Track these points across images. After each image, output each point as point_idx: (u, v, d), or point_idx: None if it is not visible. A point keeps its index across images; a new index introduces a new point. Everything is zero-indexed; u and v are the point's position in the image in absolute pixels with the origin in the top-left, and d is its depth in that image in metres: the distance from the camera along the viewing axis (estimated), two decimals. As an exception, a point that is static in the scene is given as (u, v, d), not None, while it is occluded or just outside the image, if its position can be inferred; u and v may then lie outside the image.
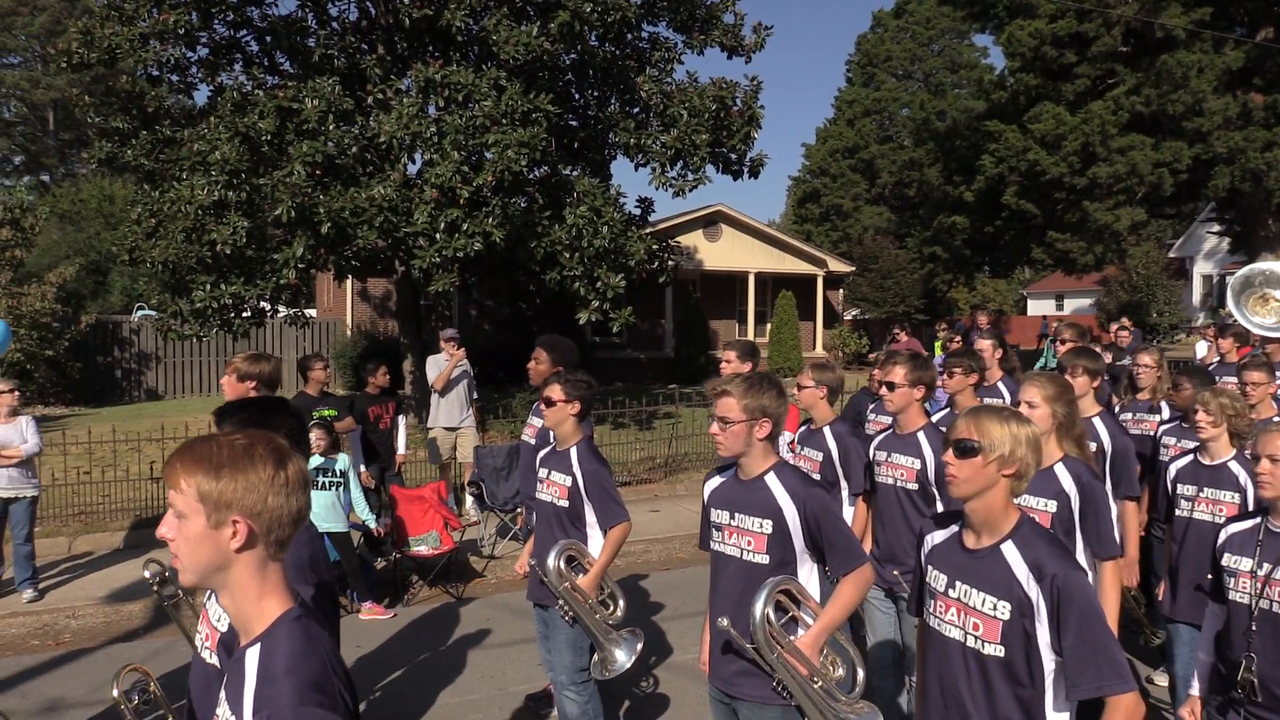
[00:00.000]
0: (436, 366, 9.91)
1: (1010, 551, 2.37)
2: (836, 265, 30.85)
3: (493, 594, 7.72)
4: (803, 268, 29.63)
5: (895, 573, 4.25)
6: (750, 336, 29.26)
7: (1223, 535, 3.21)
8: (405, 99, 12.89)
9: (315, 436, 6.80)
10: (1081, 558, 3.64)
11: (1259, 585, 2.98)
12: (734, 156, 15.63)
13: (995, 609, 2.35)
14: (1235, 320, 9.21)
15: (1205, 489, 4.17)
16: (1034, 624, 2.30)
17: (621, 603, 4.40)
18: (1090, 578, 3.64)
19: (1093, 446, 4.66)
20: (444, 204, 12.70)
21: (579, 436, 4.32)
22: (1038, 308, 56.35)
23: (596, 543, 4.26)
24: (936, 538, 2.63)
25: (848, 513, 4.82)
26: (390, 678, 5.96)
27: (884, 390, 4.38)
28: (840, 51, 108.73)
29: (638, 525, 9.82)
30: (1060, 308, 53.69)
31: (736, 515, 3.16)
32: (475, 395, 10.26)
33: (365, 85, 13.61)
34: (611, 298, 13.82)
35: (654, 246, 15.72)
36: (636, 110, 15.19)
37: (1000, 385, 6.56)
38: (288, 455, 1.73)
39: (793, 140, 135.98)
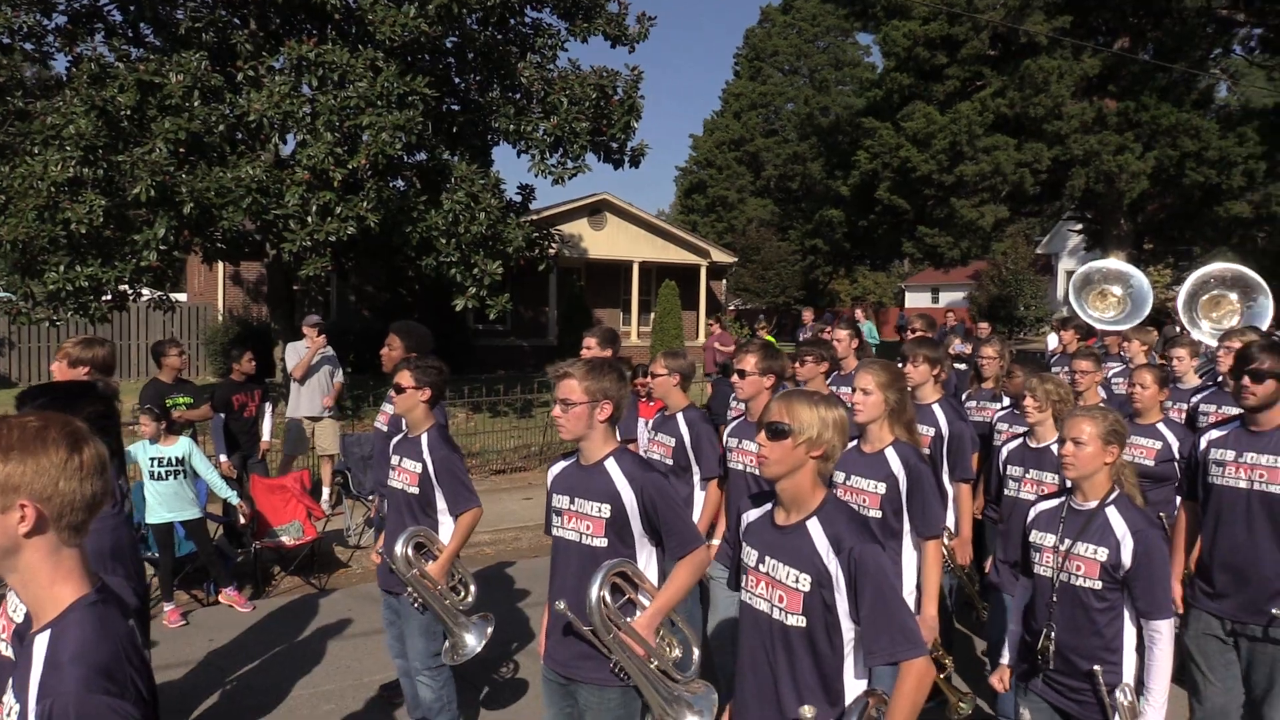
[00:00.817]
0: (296, 354, 9.59)
1: (814, 527, 2.47)
2: (720, 256, 31.27)
3: (357, 584, 7.60)
4: (687, 258, 29.93)
5: None
6: (634, 325, 29.44)
7: (1032, 513, 3.41)
8: (278, 77, 12.49)
9: (143, 423, 6.56)
10: (907, 538, 3.81)
11: (1060, 559, 3.18)
12: (615, 145, 15.66)
13: (797, 581, 2.45)
14: (1077, 314, 9.72)
15: (1031, 470, 4.40)
16: (833, 595, 2.40)
17: (473, 588, 4.40)
18: (917, 557, 3.83)
19: (932, 431, 4.88)
20: (316, 186, 12.38)
21: (430, 423, 4.29)
22: (915, 300, 58.23)
23: (448, 529, 4.25)
24: (751, 515, 2.72)
25: (700, 497, 4.92)
26: (243, 670, 5.81)
27: (735, 378, 4.48)
28: (729, 45, 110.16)
29: (511, 512, 9.84)
30: (936, 300, 55.59)
31: (576, 500, 3.19)
32: (338, 382, 9.98)
33: (235, 61, 13.12)
34: (489, 285, 13.72)
35: (534, 234, 15.64)
36: (518, 96, 15.07)
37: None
38: (84, 439, 1.68)
39: (681, 131, 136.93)
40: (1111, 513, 3.14)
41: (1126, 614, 3.10)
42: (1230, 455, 3.80)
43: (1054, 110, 17.84)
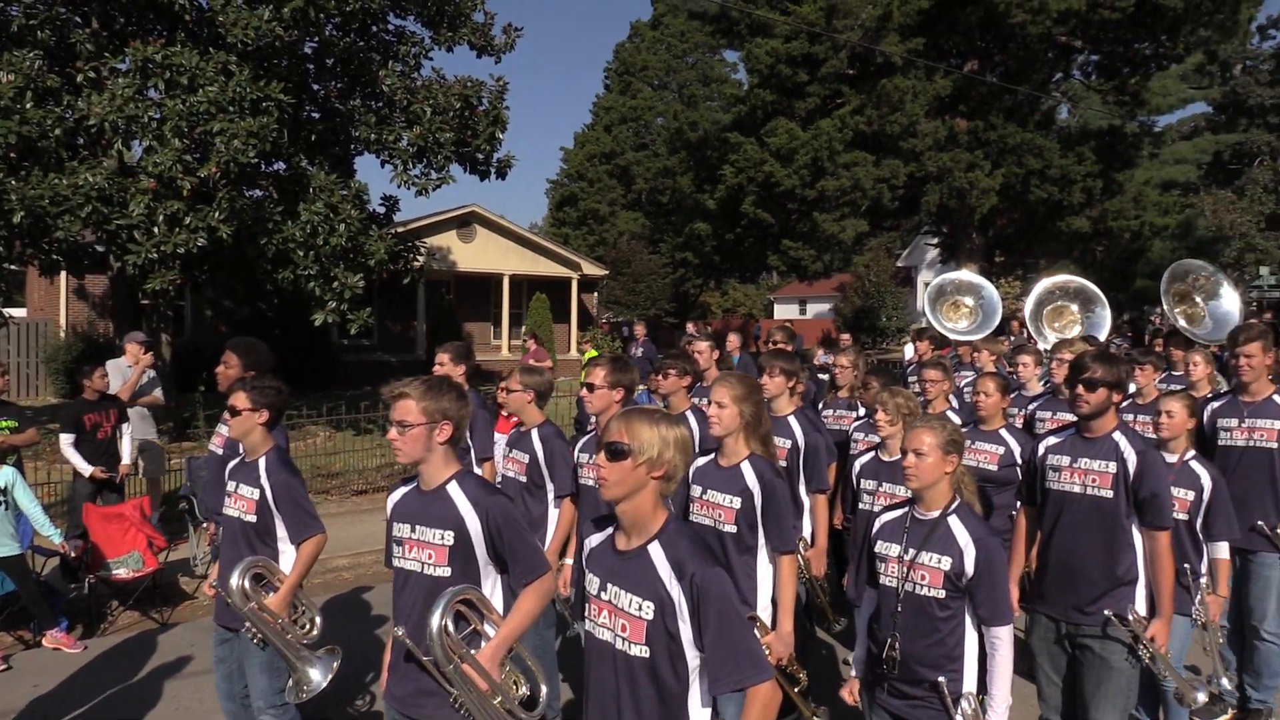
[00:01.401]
0: (120, 373, 8.66)
1: (656, 551, 2.41)
2: (591, 269, 31.31)
3: (203, 617, 7.17)
4: (558, 270, 29.85)
5: None
6: (505, 338, 29.15)
7: (876, 524, 3.44)
8: (121, 79, 11.83)
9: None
10: (762, 552, 3.79)
11: (904, 569, 3.21)
12: (481, 157, 15.46)
13: (640, 609, 2.38)
14: (931, 325, 10.05)
15: (884, 484, 4.47)
16: (676, 622, 2.33)
17: (318, 620, 4.18)
18: (773, 571, 3.81)
19: (788, 443, 4.91)
20: (164, 195, 11.77)
21: (269, 446, 4.06)
22: (783, 312, 59.54)
23: (289, 559, 4.02)
24: (594, 541, 2.64)
25: (554, 515, 4.83)
26: (70, 716, 5.38)
27: (584, 391, 4.41)
28: (599, 58, 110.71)
29: (372, 534, 9.49)
30: (804, 312, 57.03)
31: (417, 528, 3.04)
32: (163, 403, 9.36)
33: (75, 62, 12.35)
34: (349, 298, 13.31)
35: (397, 246, 15.26)
36: (380, 105, 14.70)
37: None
38: None
39: (553, 144, 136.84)
40: (954, 522, 3.19)
41: (968, 621, 3.15)
42: (1065, 461, 3.94)
43: (909, 128, 18.55)
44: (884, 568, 3.30)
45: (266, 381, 4.11)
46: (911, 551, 3.21)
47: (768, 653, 3.70)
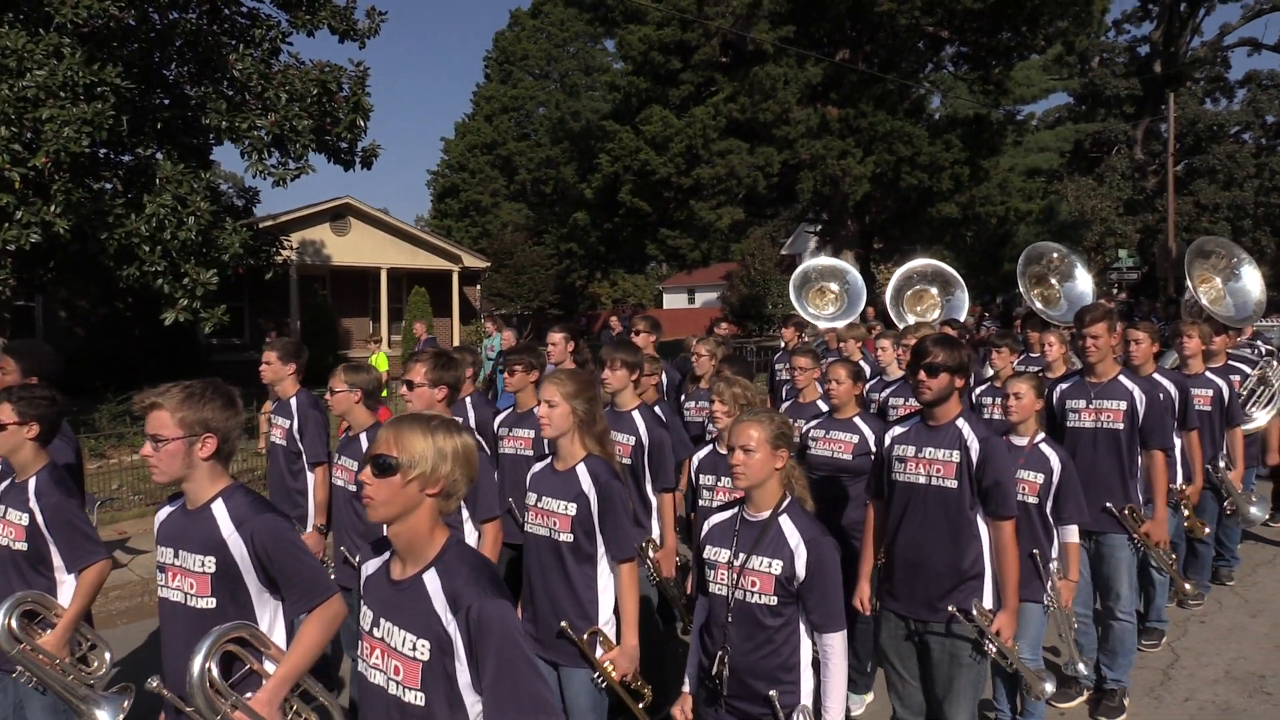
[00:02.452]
0: None
1: (431, 581, 2.11)
2: (472, 261, 30.65)
3: None
4: (437, 263, 29.13)
5: None
6: (384, 334, 28.30)
7: (705, 527, 3.21)
8: (-60, 63, 10.86)
9: None
10: (603, 561, 3.53)
11: (734, 575, 2.98)
12: (344, 146, 14.82)
13: (415, 649, 2.08)
14: (796, 312, 10.01)
15: (723, 478, 4.27)
16: (454, 663, 2.04)
17: (107, 655, 3.73)
18: (614, 577, 3.54)
19: (631, 440, 4.67)
20: (-9, 188, 10.87)
21: (41, 464, 3.60)
22: (672, 302, 59.84)
23: (69, 589, 3.57)
24: (370, 568, 2.32)
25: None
26: None
27: (404, 390, 4.07)
28: (480, 47, 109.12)
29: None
30: (692, 301, 57.38)
31: (180, 553, 2.67)
32: None
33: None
34: (202, 295, 12.54)
35: (255, 240, 14.49)
36: (232, 91, 13.90)
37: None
38: None
39: (435, 134, 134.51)
40: (784, 522, 2.99)
41: (802, 629, 2.94)
42: (911, 451, 3.79)
43: (782, 116, 18.61)
44: (713, 575, 3.07)
45: (37, 391, 3.64)
46: (741, 556, 2.99)
47: (611, 669, 3.44)
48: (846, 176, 18.70)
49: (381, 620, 2.16)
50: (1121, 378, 5.08)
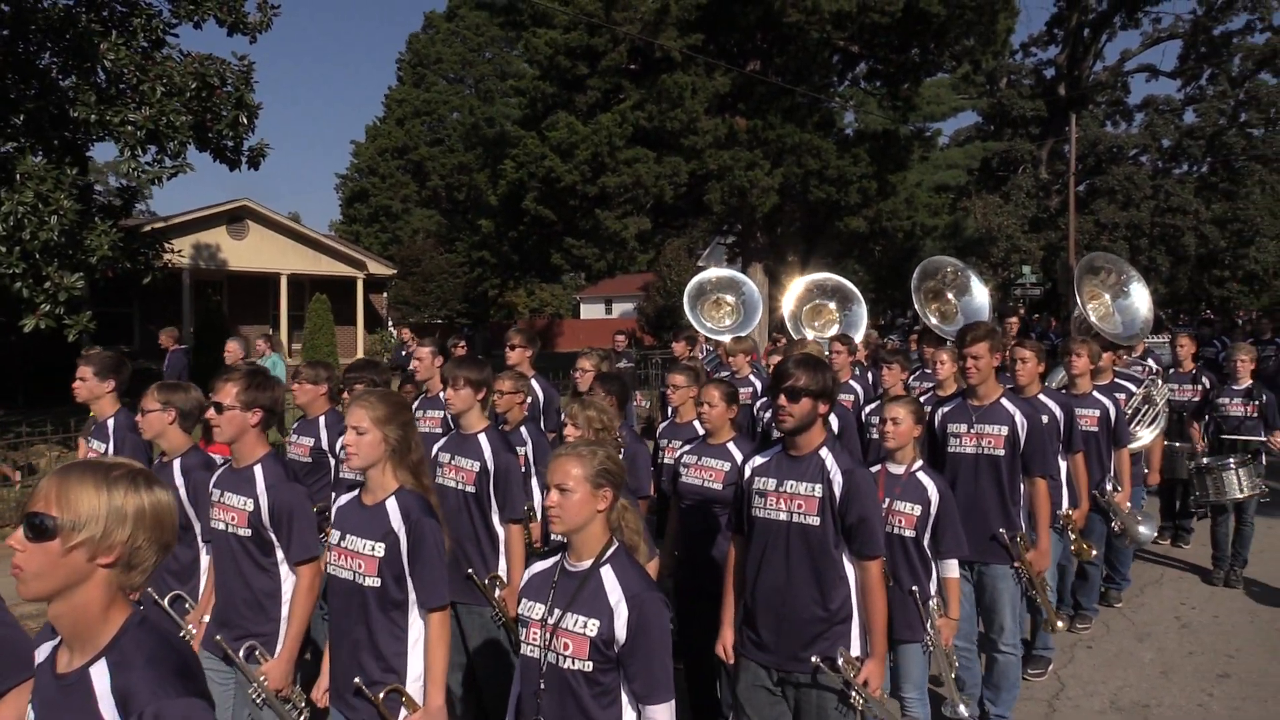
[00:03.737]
0: None
1: (99, 676, 1.66)
2: (378, 268, 29.86)
3: None
4: (341, 269, 28.29)
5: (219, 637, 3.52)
6: (285, 341, 27.29)
7: (525, 576, 2.80)
8: None
9: None
10: (414, 609, 3.09)
11: (548, 635, 2.58)
12: (229, 144, 14.07)
13: None
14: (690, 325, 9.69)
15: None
16: None
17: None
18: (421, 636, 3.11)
19: (476, 465, 4.25)
20: None
21: None
22: (590, 312, 59.47)
23: None
24: (42, 653, 1.85)
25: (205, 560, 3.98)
26: None
27: (211, 413, 3.58)
28: (393, 49, 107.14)
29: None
30: (609, 311, 57.06)
31: None
32: None
33: None
34: (66, 300, 11.71)
35: (131, 242, 13.64)
36: (103, 83, 13.04)
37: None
38: None
39: (345, 137, 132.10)
40: (606, 574, 2.59)
41: (625, 700, 2.55)
42: (771, 484, 3.44)
43: (689, 125, 18.36)
44: (525, 633, 2.66)
45: None
46: (556, 613, 2.58)
47: None
48: (754, 188, 18.53)
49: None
50: (1004, 400, 4.83)
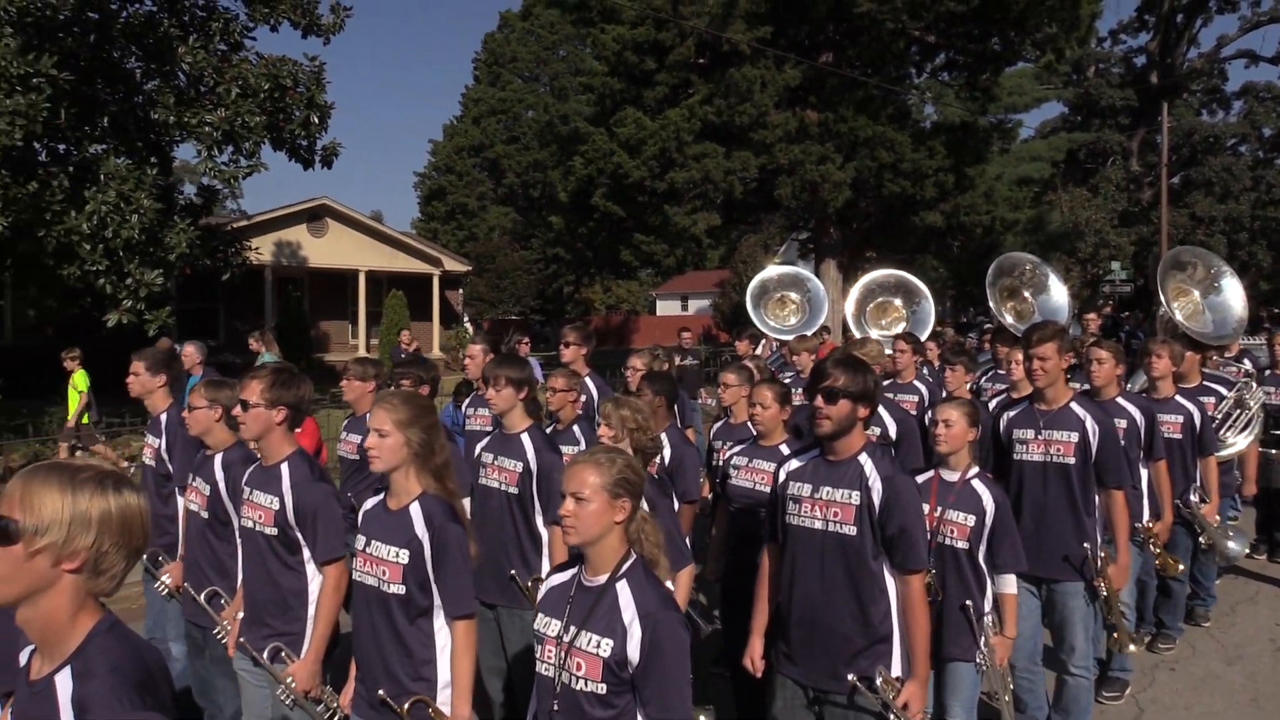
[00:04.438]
0: None
1: (63, 684, 1.60)
2: (453, 265, 30.18)
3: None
4: (418, 266, 28.65)
5: None
6: (362, 337, 27.86)
7: (542, 590, 2.67)
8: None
9: None
10: (439, 617, 2.99)
11: (562, 654, 2.44)
12: (302, 143, 14.34)
13: None
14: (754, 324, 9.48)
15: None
16: None
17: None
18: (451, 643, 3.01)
19: (519, 466, 4.17)
20: (-81, 181, 10.41)
21: None
22: (666, 308, 59.44)
23: None
24: (24, 657, 1.79)
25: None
26: None
27: (238, 410, 3.54)
28: (469, 48, 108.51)
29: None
30: (685, 308, 56.91)
31: None
32: None
33: None
34: (145, 296, 12.04)
35: (210, 240, 13.98)
36: (184, 85, 13.40)
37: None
38: None
39: (424, 137, 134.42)
40: (621, 590, 2.44)
41: None
42: (807, 490, 3.25)
43: (759, 119, 18.07)
44: (541, 651, 2.53)
45: None
46: (572, 630, 2.44)
47: None
48: (826, 183, 18.14)
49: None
50: (1074, 405, 4.54)
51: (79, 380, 10.32)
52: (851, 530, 3.12)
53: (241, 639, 3.56)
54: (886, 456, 3.21)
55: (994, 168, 22.74)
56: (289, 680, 3.41)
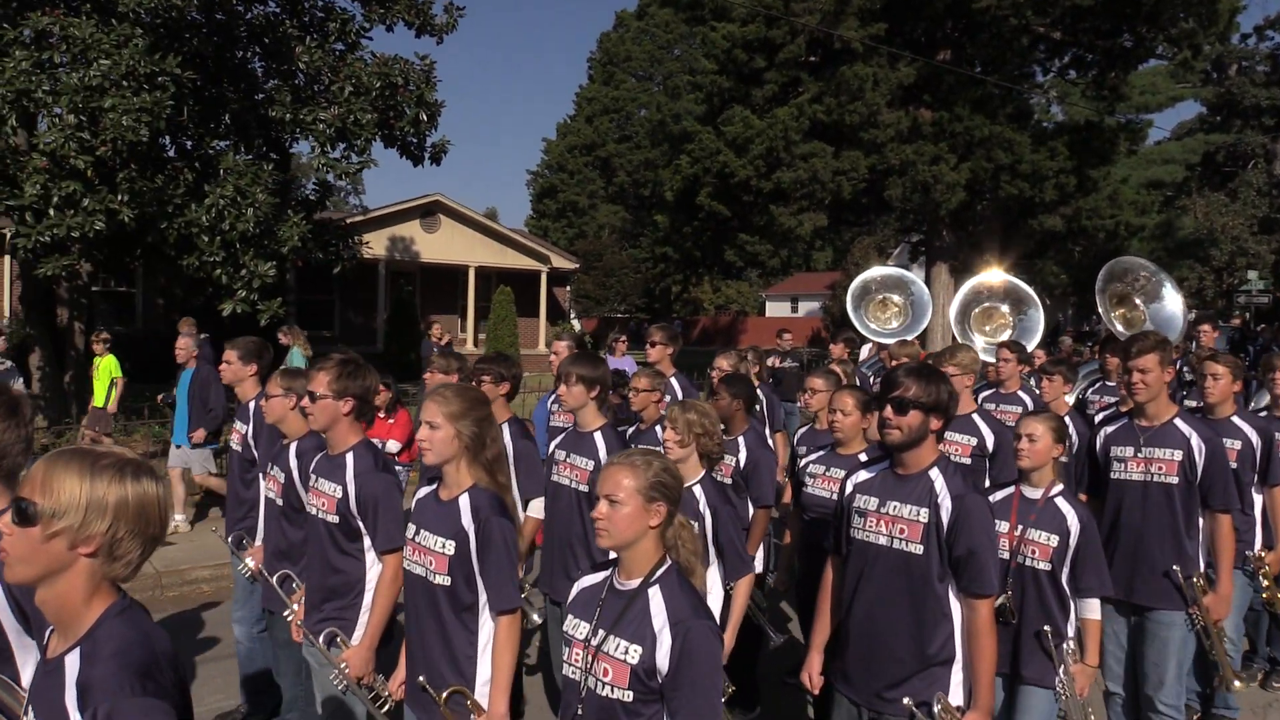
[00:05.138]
0: None
1: (71, 665, 1.63)
2: (561, 262, 30.49)
3: None
4: (526, 263, 29.04)
5: None
6: (470, 332, 28.38)
7: (575, 589, 2.62)
8: (18, 51, 11.07)
9: None
10: (485, 614, 2.98)
11: (589, 658, 2.38)
12: (414, 141, 14.65)
13: None
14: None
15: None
16: None
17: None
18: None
19: (591, 464, 4.14)
20: (59, 175, 11.02)
21: None
22: (775, 310, 58.73)
23: None
24: (46, 635, 1.84)
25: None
26: None
27: (306, 401, 3.59)
28: (584, 48, 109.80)
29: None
30: (795, 310, 56.17)
31: None
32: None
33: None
34: (259, 287, 12.50)
35: (322, 234, 14.40)
36: (301, 83, 13.86)
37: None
38: None
39: (538, 135, 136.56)
40: (654, 595, 2.36)
41: None
42: (873, 504, 3.11)
43: (870, 118, 17.63)
44: (568, 653, 2.47)
45: None
46: (600, 634, 2.38)
47: None
48: (938, 184, 17.58)
49: (29, 708, 1.69)
50: (1178, 421, 4.24)
51: (111, 366, 10.77)
52: (918, 549, 2.96)
53: (301, 623, 3.63)
54: (959, 473, 3.04)
55: (1120, 170, 21.72)
56: (343, 665, 3.46)
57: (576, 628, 2.46)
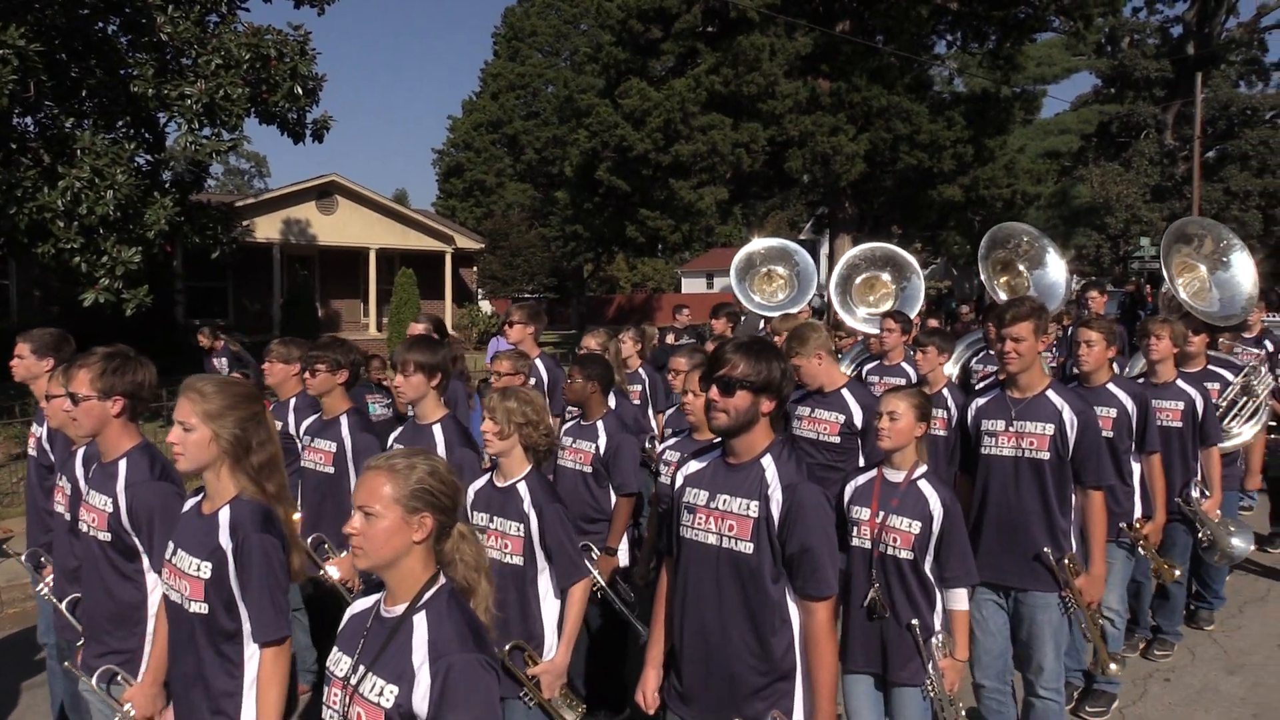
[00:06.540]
0: None
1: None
2: (466, 242, 29.76)
3: None
4: (430, 244, 28.25)
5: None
6: (373, 316, 27.58)
7: (346, 616, 2.23)
8: None
9: None
10: (249, 641, 2.56)
11: (346, 699, 2.02)
12: (293, 117, 13.91)
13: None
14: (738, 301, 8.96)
15: (496, 519, 3.31)
16: None
17: None
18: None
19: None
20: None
21: None
22: (691, 286, 58.85)
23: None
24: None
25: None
26: None
27: (68, 404, 3.14)
28: (488, 24, 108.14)
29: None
30: (710, 286, 56.29)
31: None
32: None
33: None
34: (122, 275, 11.72)
35: (178, 216, 13.51)
36: (167, 57, 12.99)
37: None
38: None
39: (443, 113, 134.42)
40: (418, 623, 2.00)
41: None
42: (703, 497, 2.78)
43: (768, 89, 17.37)
44: (326, 694, 2.10)
45: None
46: (360, 671, 2.02)
47: None
48: (838, 155, 17.43)
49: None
50: (1050, 393, 4.03)
51: None
52: (748, 547, 2.64)
53: (79, 659, 3.18)
54: (793, 460, 2.71)
55: (1018, 140, 21.92)
56: (127, 708, 3.01)
57: (338, 663, 2.08)
